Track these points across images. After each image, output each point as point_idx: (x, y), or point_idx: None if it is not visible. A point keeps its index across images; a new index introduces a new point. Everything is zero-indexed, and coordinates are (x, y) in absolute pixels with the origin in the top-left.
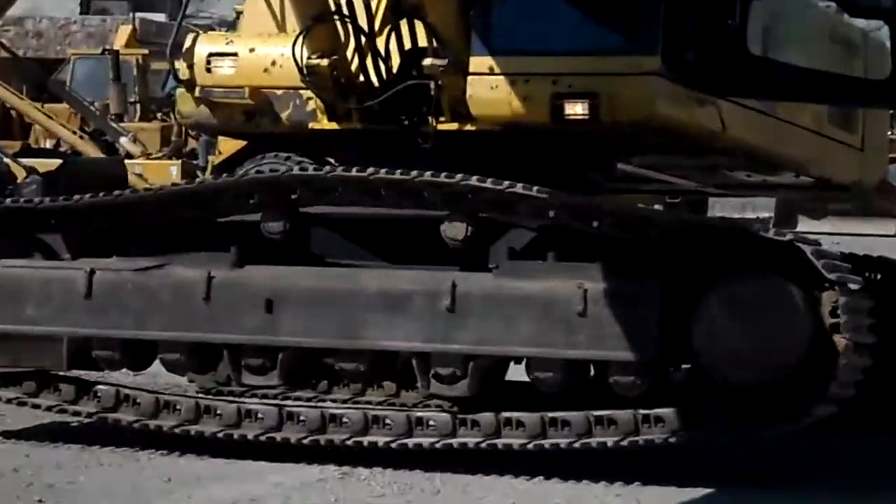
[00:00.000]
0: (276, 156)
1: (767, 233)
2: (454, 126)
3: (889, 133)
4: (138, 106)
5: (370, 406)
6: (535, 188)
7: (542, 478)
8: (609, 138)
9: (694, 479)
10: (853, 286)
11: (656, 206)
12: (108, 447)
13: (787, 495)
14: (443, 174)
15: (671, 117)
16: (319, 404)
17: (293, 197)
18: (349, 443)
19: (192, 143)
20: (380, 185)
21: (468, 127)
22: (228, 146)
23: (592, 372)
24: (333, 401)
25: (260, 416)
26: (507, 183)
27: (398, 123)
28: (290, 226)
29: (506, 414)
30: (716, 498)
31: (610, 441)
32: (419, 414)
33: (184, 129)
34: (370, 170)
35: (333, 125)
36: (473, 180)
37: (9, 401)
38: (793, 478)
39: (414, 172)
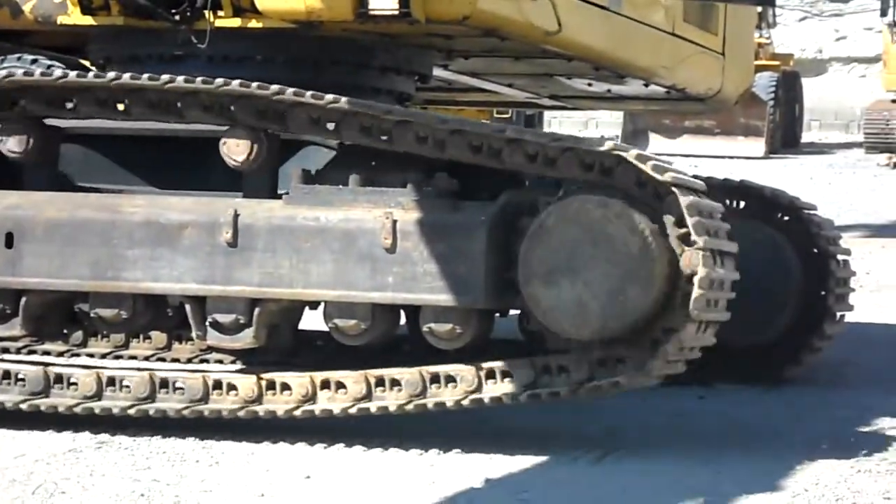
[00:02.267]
0: (20, 58)
1: (585, 144)
2: (236, 23)
3: (757, 36)
4: None
5: (105, 366)
6: (331, 97)
7: (342, 445)
8: (423, 39)
9: (515, 449)
10: (693, 185)
11: (483, 121)
12: None
13: (627, 462)
14: (218, 80)
15: (496, 15)
16: (42, 361)
17: (18, 107)
18: (78, 410)
19: None
20: (123, 93)
21: (253, 24)
22: None
23: (404, 319)
24: (90, 355)
25: None
26: (291, 91)
27: (167, 19)
28: (34, 142)
29: (267, 376)
30: (545, 467)
31: (392, 405)
32: (161, 373)
33: None
34: (111, 75)
35: (88, 20)
36: (254, 87)
37: None
38: (636, 443)
39: (180, 79)
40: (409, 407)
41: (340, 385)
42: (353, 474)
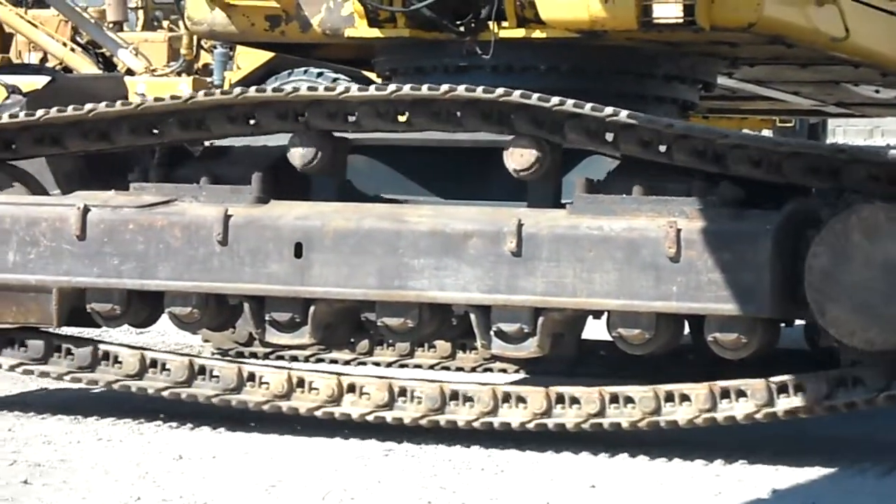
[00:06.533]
0: (307, 71)
1: (869, 155)
2: (520, 33)
3: None
4: (141, 12)
5: (395, 376)
6: (626, 113)
7: (625, 455)
8: (707, 47)
9: (802, 459)
10: None
11: (764, 131)
12: (108, 418)
13: None
14: (517, 93)
15: (782, 21)
16: (337, 371)
17: (352, 119)
18: (369, 418)
19: (205, 57)
20: (451, 105)
21: (537, 34)
22: (249, 59)
23: (687, 329)
24: (376, 364)
25: (264, 380)
26: (590, 106)
27: (452, 30)
28: (322, 153)
29: (556, 389)
30: (832, 478)
31: (682, 420)
32: (454, 387)
33: (195, 39)
34: (445, 87)
35: (375, 32)
36: (555, 101)
37: None
38: None
39: (482, 89)
40: (699, 421)
41: (629, 399)
42: (637, 484)
